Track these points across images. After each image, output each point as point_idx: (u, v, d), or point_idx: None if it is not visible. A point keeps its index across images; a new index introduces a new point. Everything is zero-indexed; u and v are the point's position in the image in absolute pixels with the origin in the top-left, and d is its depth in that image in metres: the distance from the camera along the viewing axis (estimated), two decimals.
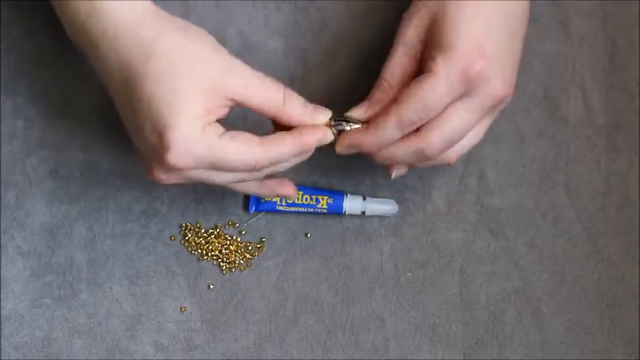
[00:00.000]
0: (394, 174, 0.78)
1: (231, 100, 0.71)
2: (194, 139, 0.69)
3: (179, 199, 0.83)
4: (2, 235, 0.82)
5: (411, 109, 0.71)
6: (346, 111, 0.75)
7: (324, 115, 0.73)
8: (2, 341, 0.81)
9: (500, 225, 0.83)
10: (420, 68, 0.73)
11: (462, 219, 0.83)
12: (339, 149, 0.74)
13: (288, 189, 0.78)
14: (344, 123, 0.74)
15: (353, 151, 0.74)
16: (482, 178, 0.84)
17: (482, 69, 0.71)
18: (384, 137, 0.72)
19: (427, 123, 0.72)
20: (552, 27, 0.86)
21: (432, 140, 0.72)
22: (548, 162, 0.84)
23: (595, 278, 0.83)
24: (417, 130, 0.72)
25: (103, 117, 0.83)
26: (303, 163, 0.74)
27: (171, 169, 0.70)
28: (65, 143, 0.83)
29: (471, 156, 0.83)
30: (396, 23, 0.85)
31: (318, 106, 0.73)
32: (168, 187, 0.74)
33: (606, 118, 0.85)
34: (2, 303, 0.81)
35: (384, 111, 0.73)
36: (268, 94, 0.71)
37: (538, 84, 0.85)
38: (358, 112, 0.74)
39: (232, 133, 0.71)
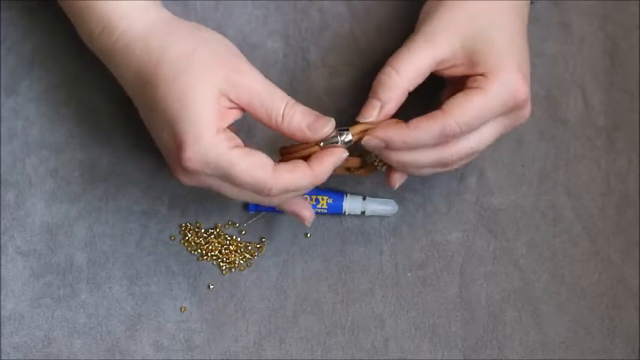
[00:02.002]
0: (397, 184, 0.78)
1: (237, 104, 0.71)
2: (206, 144, 0.70)
3: (179, 199, 0.83)
4: (2, 235, 0.82)
5: (457, 121, 0.71)
6: (350, 110, 0.74)
7: (326, 126, 0.72)
8: (2, 341, 0.81)
9: (500, 225, 0.83)
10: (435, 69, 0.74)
11: (461, 219, 0.83)
12: (367, 139, 0.73)
13: (307, 213, 0.77)
14: (348, 133, 0.73)
15: (381, 144, 0.73)
16: (482, 178, 0.84)
17: (528, 95, 0.73)
18: (421, 141, 0.72)
19: (453, 100, 0.72)
20: (552, 27, 0.86)
21: (458, 150, 0.73)
22: (548, 162, 0.84)
23: (595, 278, 0.83)
24: (441, 108, 0.73)
25: (103, 117, 0.83)
26: None
27: (188, 172, 0.71)
28: (65, 143, 0.83)
29: None
30: (396, 23, 0.85)
31: (321, 116, 0.72)
32: (194, 188, 0.75)
33: (606, 118, 0.85)
34: (2, 303, 0.81)
35: (422, 119, 0.72)
36: (270, 105, 0.71)
37: (538, 84, 0.85)
38: (371, 114, 0.73)
39: (248, 150, 0.71)
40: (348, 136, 0.72)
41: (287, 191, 0.72)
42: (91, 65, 0.82)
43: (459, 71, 0.74)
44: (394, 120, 0.73)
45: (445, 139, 0.72)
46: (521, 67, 0.73)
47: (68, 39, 0.83)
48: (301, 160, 0.72)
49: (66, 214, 0.82)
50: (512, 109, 0.73)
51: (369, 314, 0.82)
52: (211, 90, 0.70)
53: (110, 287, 0.82)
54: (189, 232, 0.83)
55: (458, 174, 0.83)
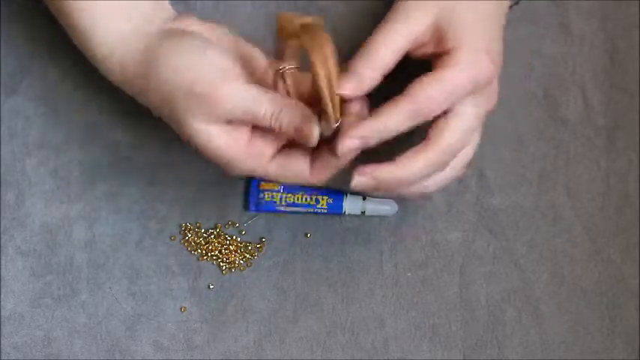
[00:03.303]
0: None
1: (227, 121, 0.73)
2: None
3: (179, 199, 0.83)
4: (2, 235, 0.82)
5: (421, 101, 0.71)
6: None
7: (313, 131, 0.72)
8: (2, 341, 0.81)
9: (500, 225, 0.83)
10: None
11: (461, 219, 0.83)
12: (345, 140, 0.71)
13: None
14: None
15: (356, 144, 0.72)
16: (482, 178, 0.84)
17: (492, 73, 0.72)
18: (391, 126, 0.71)
19: (434, 127, 0.72)
20: (552, 27, 0.86)
21: (449, 163, 0.74)
22: (548, 162, 0.84)
23: (595, 278, 0.83)
24: (426, 139, 0.73)
25: (103, 117, 0.83)
26: None
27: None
28: (65, 143, 0.83)
29: None
30: None
31: (307, 120, 0.72)
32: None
33: (606, 118, 0.85)
34: (2, 303, 0.81)
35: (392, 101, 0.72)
36: (253, 119, 0.72)
37: (538, 84, 0.85)
38: (349, 87, 0.71)
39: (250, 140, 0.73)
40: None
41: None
42: (91, 65, 0.82)
43: (430, 49, 0.73)
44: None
45: (417, 120, 0.71)
46: (489, 45, 0.72)
47: (68, 39, 0.83)
48: (300, 162, 0.73)
49: (66, 214, 0.82)
50: (479, 86, 0.72)
51: (369, 314, 0.82)
52: (209, 124, 0.72)
53: (110, 287, 0.82)
54: (189, 232, 0.83)
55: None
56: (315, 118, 0.72)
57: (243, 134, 0.73)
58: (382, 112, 0.71)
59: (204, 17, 0.84)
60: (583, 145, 0.84)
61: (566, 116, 0.85)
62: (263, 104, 0.71)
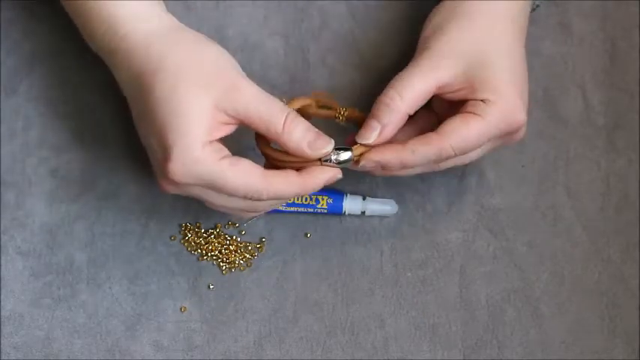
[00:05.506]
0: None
1: (234, 118, 0.71)
2: (192, 159, 0.70)
3: (179, 199, 0.83)
4: (2, 235, 0.82)
5: (453, 145, 0.72)
6: (348, 112, 0.75)
7: (325, 146, 0.72)
8: (2, 341, 0.81)
9: (500, 225, 0.83)
10: (434, 94, 0.74)
11: (461, 219, 0.83)
12: (365, 162, 0.74)
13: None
14: (347, 152, 0.73)
15: (376, 166, 0.74)
16: (482, 178, 0.84)
17: (523, 120, 0.74)
18: (417, 162, 0.74)
19: (450, 123, 0.73)
20: (552, 27, 0.86)
21: (446, 164, 0.75)
22: (548, 162, 0.84)
23: (595, 278, 0.83)
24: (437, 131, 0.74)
25: (103, 117, 0.83)
26: None
27: (173, 183, 0.71)
28: (65, 143, 0.83)
29: None
30: (396, 23, 0.85)
31: (321, 135, 0.72)
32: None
33: (606, 118, 0.85)
34: (2, 303, 0.81)
35: (417, 138, 0.73)
36: (269, 118, 0.71)
37: (538, 84, 0.85)
38: (370, 136, 0.73)
39: (235, 158, 0.71)
40: (344, 156, 0.73)
41: (277, 198, 0.72)
42: (91, 65, 0.82)
43: (459, 95, 0.74)
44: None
45: (442, 161, 0.74)
46: (523, 95, 0.74)
47: (68, 39, 0.83)
48: (292, 170, 0.72)
49: (66, 214, 0.82)
50: (508, 134, 0.75)
51: (369, 314, 0.82)
52: (206, 104, 0.70)
53: (110, 287, 0.82)
54: (189, 232, 0.83)
55: (458, 174, 0.83)
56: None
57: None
58: (414, 149, 0.73)
59: (204, 17, 0.84)
60: (583, 145, 0.84)
61: (566, 116, 0.85)
62: (281, 107, 0.71)
